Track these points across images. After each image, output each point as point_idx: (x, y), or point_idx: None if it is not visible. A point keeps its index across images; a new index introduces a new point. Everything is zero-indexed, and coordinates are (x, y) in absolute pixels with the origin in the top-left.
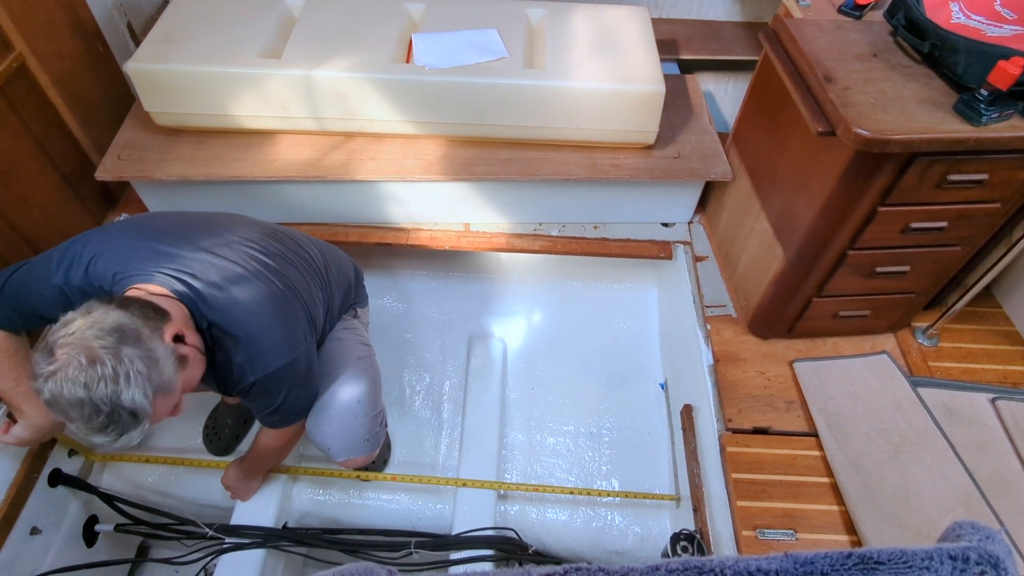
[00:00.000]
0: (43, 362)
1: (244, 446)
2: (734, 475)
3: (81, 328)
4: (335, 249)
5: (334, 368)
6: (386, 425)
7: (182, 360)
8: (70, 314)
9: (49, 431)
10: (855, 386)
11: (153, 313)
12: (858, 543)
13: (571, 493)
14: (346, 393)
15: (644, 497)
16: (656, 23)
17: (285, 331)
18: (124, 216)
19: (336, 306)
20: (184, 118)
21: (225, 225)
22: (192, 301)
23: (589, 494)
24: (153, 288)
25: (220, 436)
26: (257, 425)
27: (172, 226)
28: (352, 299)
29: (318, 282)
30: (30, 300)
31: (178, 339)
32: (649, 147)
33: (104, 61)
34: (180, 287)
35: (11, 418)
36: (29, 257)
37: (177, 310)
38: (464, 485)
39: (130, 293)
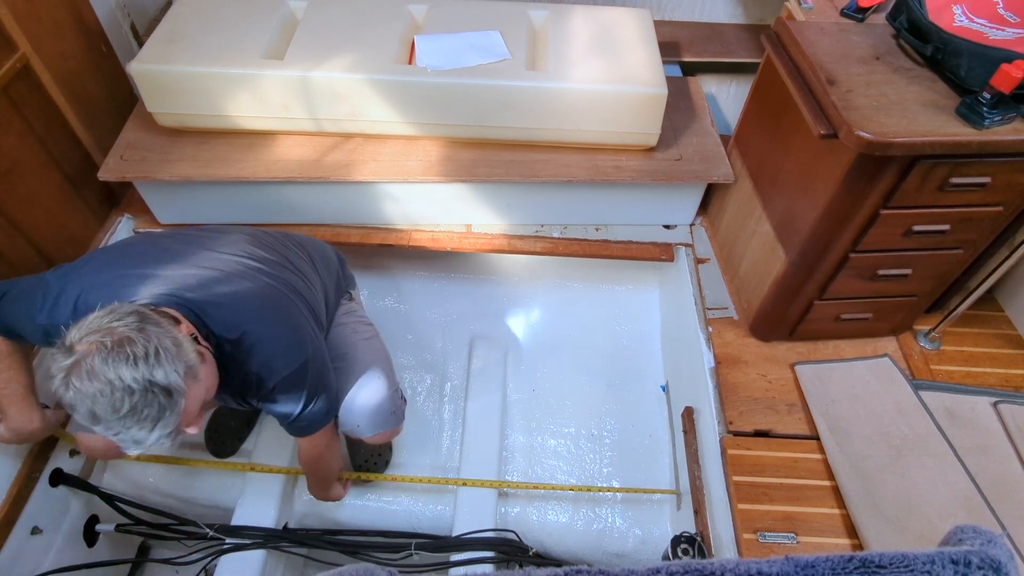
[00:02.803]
0: (61, 357)
1: (246, 447)
2: (735, 478)
3: (98, 317)
4: (314, 240)
5: (347, 351)
6: (405, 400)
7: (201, 355)
8: (81, 320)
9: (29, 436)
10: (857, 389)
11: (163, 314)
12: (859, 547)
13: (571, 490)
14: (366, 372)
15: (643, 492)
16: (658, 25)
17: (294, 332)
18: (126, 215)
19: (332, 296)
20: (187, 119)
21: (211, 239)
22: (195, 315)
23: (589, 490)
24: None
25: (222, 437)
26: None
27: (155, 249)
28: (344, 284)
29: (313, 278)
30: (17, 326)
31: (193, 338)
32: (651, 149)
33: (107, 62)
34: (179, 303)
35: None
36: (31, 256)
37: (184, 322)
38: (464, 484)
39: None
